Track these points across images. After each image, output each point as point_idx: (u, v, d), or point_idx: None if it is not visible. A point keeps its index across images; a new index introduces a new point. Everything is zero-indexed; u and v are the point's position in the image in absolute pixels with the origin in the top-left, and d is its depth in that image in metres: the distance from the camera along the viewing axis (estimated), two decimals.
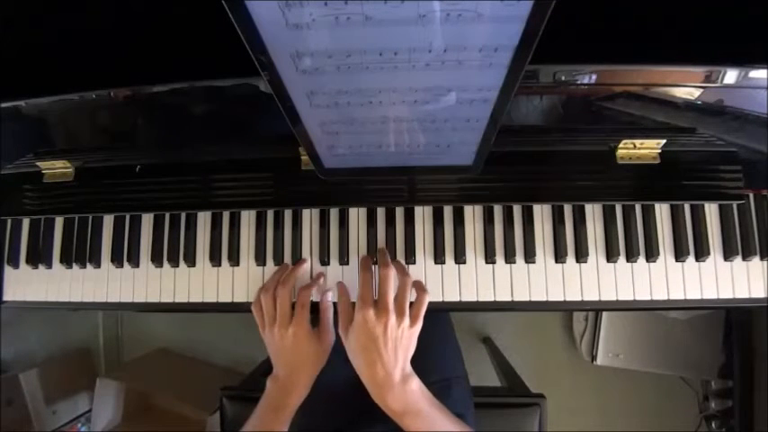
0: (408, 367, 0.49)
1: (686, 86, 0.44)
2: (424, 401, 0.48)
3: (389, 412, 0.47)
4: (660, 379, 1.26)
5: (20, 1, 0.47)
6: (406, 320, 0.47)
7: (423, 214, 0.56)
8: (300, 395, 0.52)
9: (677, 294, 0.53)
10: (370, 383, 0.48)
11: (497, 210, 0.56)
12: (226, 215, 0.59)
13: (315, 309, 0.55)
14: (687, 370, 1.23)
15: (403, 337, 0.47)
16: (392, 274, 0.49)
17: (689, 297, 0.53)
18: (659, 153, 0.52)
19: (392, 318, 0.46)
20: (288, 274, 0.55)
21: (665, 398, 1.28)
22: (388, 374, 0.46)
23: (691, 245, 0.54)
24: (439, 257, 0.55)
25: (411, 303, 0.49)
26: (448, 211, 0.56)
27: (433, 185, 0.54)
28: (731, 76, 0.42)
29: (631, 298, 0.53)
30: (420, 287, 0.51)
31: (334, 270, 0.57)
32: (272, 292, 0.53)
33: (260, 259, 0.57)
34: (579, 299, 0.54)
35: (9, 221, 0.63)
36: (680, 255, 0.53)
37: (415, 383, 0.48)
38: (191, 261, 0.59)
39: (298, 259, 0.57)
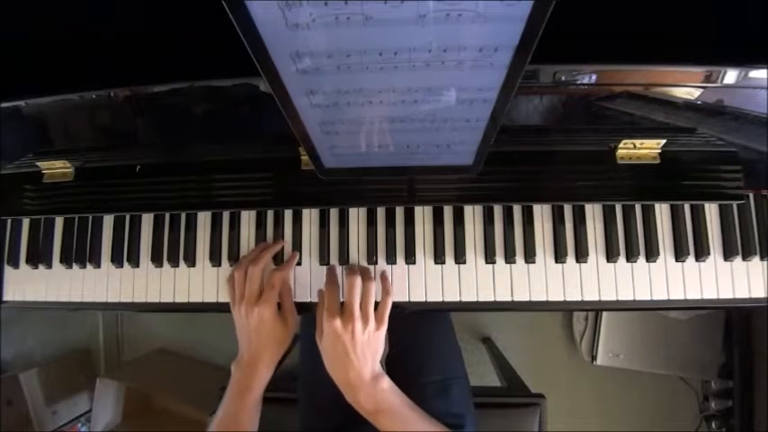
0: (378, 367, 0.51)
1: (686, 86, 0.44)
2: (395, 400, 0.50)
3: (363, 412, 0.49)
4: (660, 379, 1.26)
5: (20, 1, 0.47)
6: (371, 324, 0.50)
7: (423, 214, 0.56)
8: (263, 377, 0.53)
9: (677, 294, 0.53)
10: (343, 385, 0.50)
11: (497, 210, 0.56)
12: (226, 215, 0.59)
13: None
14: (687, 370, 1.23)
15: (370, 341, 0.49)
16: (357, 282, 0.50)
17: (689, 297, 0.53)
18: (659, 153, 0.52)
19: (358, 324, 0.49)
20: (261, 252, 0.55)
21: (665, 398, 1.28)
22: (358, 375, 0.49)
23: (691, 245, 0.54)
24: (439, 257, 0.55)
25: (376, 306, 0.51)
26: (448, 211, 0.56)
27: (433, 185, 0.54)
28: (731, 76, 0.42)
29: (631, 298, 0.53)
30: (385, 290, 0.53)
31: None
32: (243, 268, 0.53)
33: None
34: (579, 299, 0.54)
35: (9, 221, 0.63)
36: (680, 255, 0.53)
37: (386, 383, 0.50)
38: (191, 261, 0.59)
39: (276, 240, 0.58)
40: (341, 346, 0.49)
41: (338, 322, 0.49)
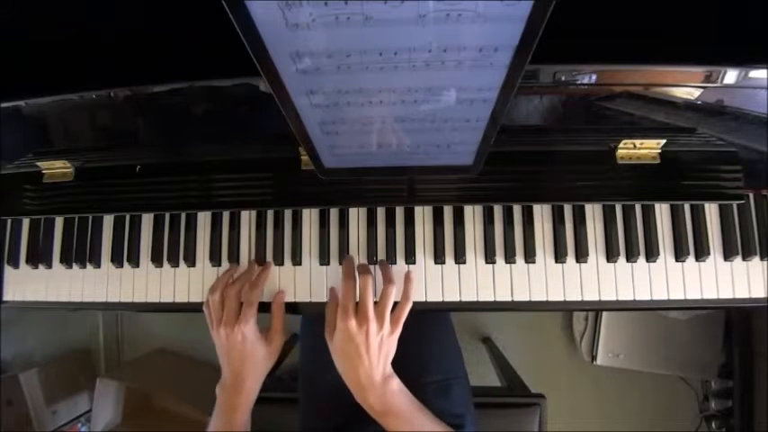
0: (389, 369, 0.50)
1: (686, 86, 0.44)
2: (404, 401, 0.50)
3: (372, 412, 0.49)
4: (660, 379, 1.26)
5: (20, 1, 0.47)
6: (386, 328, 0.49)
7: (423, 214, 0.56)
8: (249, 396, 0.53)
9: (677, 294, 0.53)
10: (352, 385, 0.50)
11: (497, 210, 0.56)
12: (226, 215, 0.59)
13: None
14: (687, 370, 1.23)
15: (383, 343, 0.49)
16: (370, 282, 0.50)
17: (689, 297, 0.53)
18: (659, 153, 0.52)
19: (372, 326, 0.48)
20: (239, 275, 0.56)
21: (665, 398, 1.28)
22: (368, 376, 0.48)
23: (691, 245, 0.54)
24: (439, 257, 0.55)
25: (394, 308, 0.50)
26: (448, 211, 0.56)
27: (433, 185, 0.54)
28: (731, 76, 0.42)
29: (631, 298, 0.53)
30: (405, 295, 0.52)
31: (334, 270, 0.57)
32: (219, 291, 0.53)
33: (260, 259, 0.57)
34: (579, 299, 0.54)
35: (9, 221, 0.63)
36: (680, 255, 0.53)
37: (395, 384, 0.50)
38: (191, 261, 0.59)
39: (264, 261, 0.57)
40: (353, 347, 0.48)
41: (353, 322, 0.48)
